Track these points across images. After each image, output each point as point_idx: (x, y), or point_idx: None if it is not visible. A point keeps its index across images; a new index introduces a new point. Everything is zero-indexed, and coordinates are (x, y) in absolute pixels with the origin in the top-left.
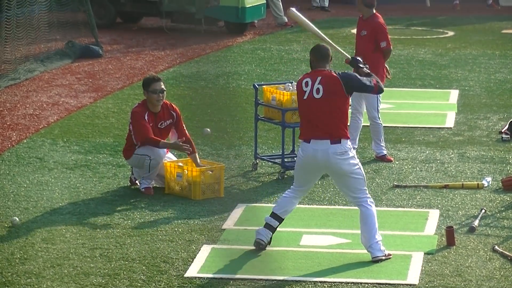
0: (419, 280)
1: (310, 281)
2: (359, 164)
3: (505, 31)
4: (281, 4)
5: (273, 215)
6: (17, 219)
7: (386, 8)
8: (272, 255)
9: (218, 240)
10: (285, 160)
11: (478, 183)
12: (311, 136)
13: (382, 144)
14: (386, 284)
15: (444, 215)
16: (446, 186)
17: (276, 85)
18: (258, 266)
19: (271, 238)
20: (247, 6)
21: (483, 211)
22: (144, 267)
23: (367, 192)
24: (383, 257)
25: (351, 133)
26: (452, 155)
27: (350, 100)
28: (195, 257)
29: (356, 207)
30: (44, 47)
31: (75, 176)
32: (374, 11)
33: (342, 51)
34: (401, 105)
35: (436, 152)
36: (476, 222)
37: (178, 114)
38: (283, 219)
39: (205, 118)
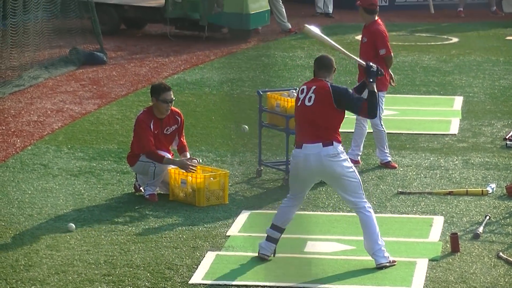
0: (424, 286)
1: None
2: (353, 167)
3: (509, 37)
4: (284, 10)
5: (274, 226)
6: (73, 225)
7: (390, 15)
8: (276, 261)
9: (222, 247)
10: (289, 166)
11: (482, 190)
12: (302, 142)
13: (386, 151)
14: None
15: (449, 221)
16: (450, 193)
17: (280, 92)
18: (263, 272)
19: (275, 249)
20: (251, 12)
21: (488, 217)
22: (148, 274)
23: (364, 197)
24: (387, 264)
25: (355, 140)
26: (457, 162)
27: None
28: (199, 264)
29: (359, 215)
30: (49, 53)
31: (80, 183)
32: (376, 17)
33: (359, 60)
34: (405, 112)
35: (441, 159)
36: (481, 229)
37: (182, 119)
38: (284, 229)
39: (210, 125)
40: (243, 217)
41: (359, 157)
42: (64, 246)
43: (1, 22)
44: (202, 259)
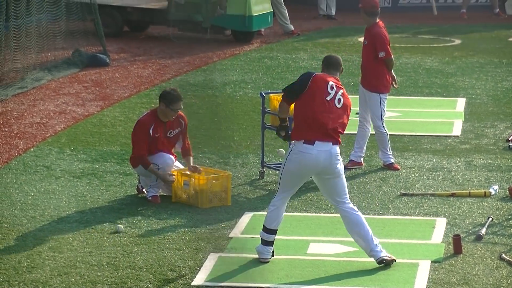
0: None
1: None
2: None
3: None
4: (286, 12)
5: (267, 230)
6: (121, 227)
7: (393, 17)
8: (279, 263)
9: (225, 249)
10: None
11: (485, 191)
12: (315, 138)
13: (389, 153)
14: None
15: (451, 223)
16: (453, 194)
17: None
18: (265, 274)
19: (273, 250)
20: (254, 14)
21: (490, 219)
22: (151, 276)
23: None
24: (387, 257)
25: (358, 141)
26: (459, 163)
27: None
28: (202, 266)
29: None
30: (52, 55)
31: (82, 185)
32: (378, 20)
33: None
34: (408, 113)
35: (443, 160)
36: (483, 230)
37: (186, 123)
38: (277, 229)
39: (212, 127)
40: (245, 219)
41: (361, 159)
42: (67, 248)
43: (3, 25)
44: (204, 261)
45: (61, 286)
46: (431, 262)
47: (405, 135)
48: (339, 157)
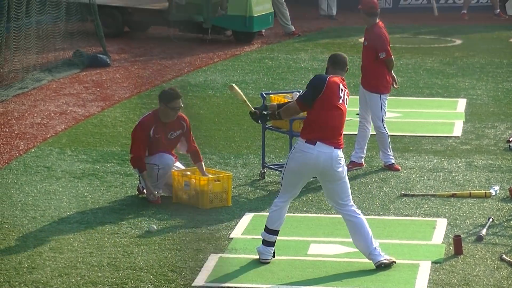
0: None
1: None
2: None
3: None
4: (288, 13)
5: (269, 230)
6: (154, 227)
7: (393, 17)
8: (279, 264)
9: (225, 249)
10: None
11: (485, 192)
12: (318, 139)
13: (389, 153)
14: None
15: (452, 224)
16: (453, 195)
17: (284, 94)
18: (266, 275)
19: (274, 251)
20: (255, 15)
21: (491, 220)
22: (151, 276)
23: (352, 200)
24: (386, 261)
25: (358, 142)
26: (460, 164)
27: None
28: (202, 266)
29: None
30: (52, 56)
31: (83, 185)
32: (377, 20)
33: (249, 104)
34: (408, 114)
35: (444, 161)
36: (484, 231)
37: (188, 124)
38: (279, 230)
39: (213, 127)
40: (246, 219)
41: (362, 160)
42: (67, 249)
43: (5, 26)
44: (205, 262)
45: (61, 286)
46: (432, 262)
47: (405, 135)
48: (341, 161)
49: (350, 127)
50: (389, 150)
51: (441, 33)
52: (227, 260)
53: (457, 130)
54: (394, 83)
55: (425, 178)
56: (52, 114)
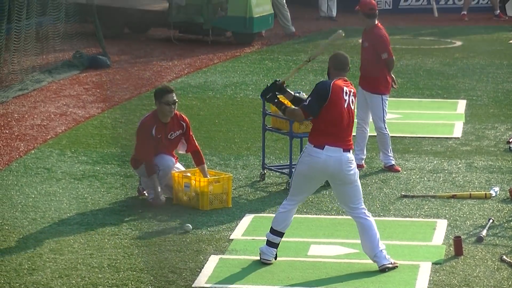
0: None
1: None
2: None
3: None
4: (289, 14)
5: (273, 231)
6: (190, 226)
7: (393, 18)
8: (280, 265)
9: (226, 250)
10: (293, 170)
11: (486, 193)
12: (326, 143)
13: (390, 154)
14: None
15: (452, 225)
16: (454, 196)
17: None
18: (266, 276)
19: (276, 253)
20: (255, 16)
21: (491, 221)
22: (152, 278)
23: (363, 202)
24: (390, 265)
25: (358, 143)
26: (460, 165)
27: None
28: (203, 267)
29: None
30: (52, 57)
31: (83, 187)
32: (376, 22)
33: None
34: (408, 115)
35: (444, 162)
36: (484, 232)
37: (188, 124)
38: (284, 233)
39: (213, 129)
40: (246, 221)
41: (363, 161)
42: (68, 250)
43: (5, 27)
44: (205, 263)
45: None
46: (432, 263)
47: (405, 136)
48: (352, 164)
49: None
50: (389, 151)
51: (441, 34)
52: (227, 261)
53: (457, 131)
54: (393, 83)
55: (425, 179)
56: (52, 116)
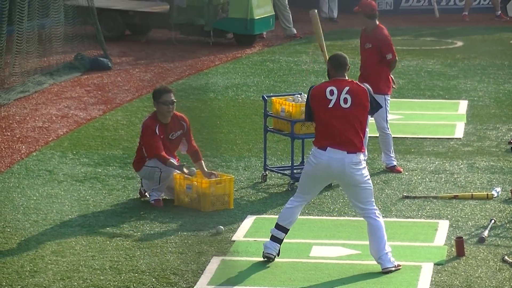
0: None
1: None
2: (369, 175)
3: None
4: (290, 15)
5: (278, 226)
6: (222, 227)
7: (395, 19)
8: (281, 266)
9: (227, 252)
10: (294, 171)
11: (487, 194)
12: (328, 144)
13: (391, 155)
14: None
15: (454, 225)
16: (455, 197)
17: (285, 97)
18: (268, 277)
19: (279, 249)
20: (256, 18)
21: (493, 221)
22: (154, 279)
23: (374, 203)
24: (393, 268)
25: None
26: (462, 166)
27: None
28: (204, 269)
29: (369, 220)
30: (53, 59)
31: (85, 189)
32: (378, 22)
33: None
34: (410, 116)
35: (446, 163)
36: (486, 233)
37: (188, 124)
38: (289, 229)
39: (214, 130)
40: (248, 222)
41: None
42: (70, 252)
43: (6, 29)
44: (207, 264)
45: None
46: (434, 264)
47: (407, 137)
48: (358, 166)
49: None
50: (391, 152)
51: (442, 35)
52: (229, 263)
53: (459, 131)
54: (393, 83)
55: (427, 180)
56: (54, 118)
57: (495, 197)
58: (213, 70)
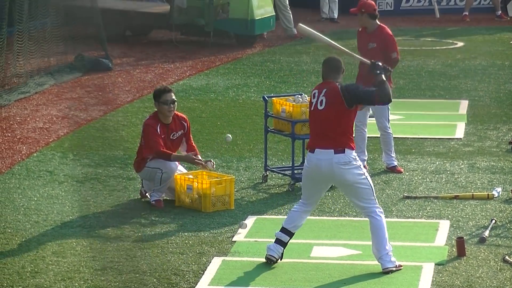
0: None
1: None
2: (366, 174)
3: None
4: (291, 16)
5: (283, 230)
6: (245, 223)
7: (395, 20)
8: (282, 267)
9: (228, 252)
10: (295, 172)
11: (488, 194)
12: (315, 146)
13: (392, 155)
14: None
15: (455, 225)
16: (456, 197)
17: (286, 97)
18: (269, 278)
19: (282, 253)
20: (256, 18)
21: (494, 221)
22: (155, 280)
23: (376, 202)
24: (394, 268)
25: (358, 145)
26: (462, 166)
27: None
28: (205, 270)
29: (366, 218)
30: (54, 60)
31: (85, 189)
32: (379, 22)
33: (360, 58)
34: (411, 116)
35: (446, 163)
36: (487, 233)
37: (188, 124)
38: (294, 233)
39: (215, 131)
40: (249, 223)
41: (365, 162)
42: (70, 253)
43: (6, 29)
44: (208, 265)
45: None
46: (435, 264)
47: (408, 137)
48: (347, 166)
49: None
50: (392, 152)
51: (442, 35)
52: (230, 263)
53: (459, 132)
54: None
55: (428, 180)
56: (54, 119)
57: (495, 197)
58: (214, 70)
